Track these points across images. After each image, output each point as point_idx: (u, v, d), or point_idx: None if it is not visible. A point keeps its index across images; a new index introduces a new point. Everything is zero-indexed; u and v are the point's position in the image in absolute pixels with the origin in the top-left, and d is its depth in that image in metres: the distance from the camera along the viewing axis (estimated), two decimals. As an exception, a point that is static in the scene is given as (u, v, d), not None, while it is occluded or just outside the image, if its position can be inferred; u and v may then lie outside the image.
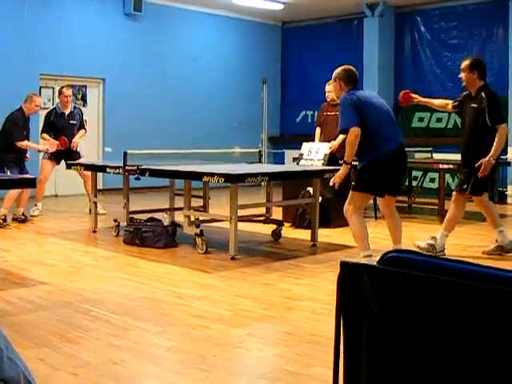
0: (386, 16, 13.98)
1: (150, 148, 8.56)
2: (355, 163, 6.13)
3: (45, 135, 9.53)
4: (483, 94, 6.28)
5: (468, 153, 6.51)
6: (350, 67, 6.00)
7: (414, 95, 6.88)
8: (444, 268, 1.60)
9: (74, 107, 9.87)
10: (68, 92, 9.62)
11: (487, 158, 6.27)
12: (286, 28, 16.48)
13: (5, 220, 8.43)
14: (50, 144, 9.34)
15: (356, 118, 5.60)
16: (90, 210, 8.53)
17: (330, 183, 5.95)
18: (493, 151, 6.25)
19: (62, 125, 9.52)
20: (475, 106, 6.33)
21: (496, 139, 6.24)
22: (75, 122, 9.68)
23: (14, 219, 8.74)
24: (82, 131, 9.81)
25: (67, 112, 9.61)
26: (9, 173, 8.40)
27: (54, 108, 9.76)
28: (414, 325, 1.63)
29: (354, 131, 5.56)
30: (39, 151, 9.65)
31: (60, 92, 9.71)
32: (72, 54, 12.33)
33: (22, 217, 8.85)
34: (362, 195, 5.90)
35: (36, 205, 9.44)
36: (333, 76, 5.99)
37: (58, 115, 9.58)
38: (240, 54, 15.37)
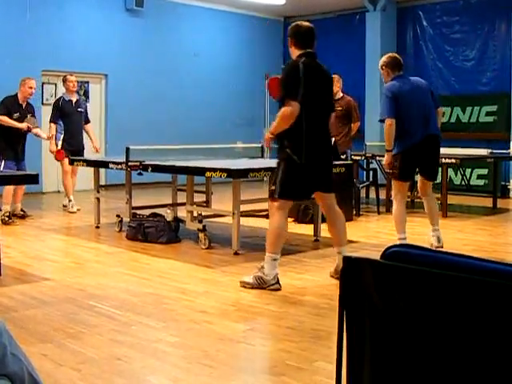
0: (388, 10, 13.95)
1: (152, 144, 8.58)
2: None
3: (53, 125, 9.53)
4: None
5: None
6: (395, 54, 6.52)
7: None
8: (447, 262, 1.60)
9: (81, 98, 10.12)
10: (72, 78, 9.82)
11: None
12: (288, 23, 16.43)
13: (9, 217, 8.42)
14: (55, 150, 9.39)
15: (393, 109, 6.11)
16: (64, 206, 9.42)
17: (386, 169, 6.58)
18: None
19: (70, 111, 9.65)
20: None
21: None
22: (82, 110, 9.88)
23: (13, 215, 8.66)
24: (91, 126, 10.16)
25: (74, 99, 9.79)
26: (2, 164, 8.42)
27: (62, 96, 9.83)
28: (417, 319, 1.63)
29: (388, 121, 6.10)
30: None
31: (65, 80, 9.83)
32: (74, 49, 12.33)
33: (21, 212, 8.84)
34: (396, 182, 6.43)
35: (70, 200, 9.51)
36: (379, 64, 6.50)
37: (66, 102, 9.68)
38: (242, 50, 15.35)
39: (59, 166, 10.29)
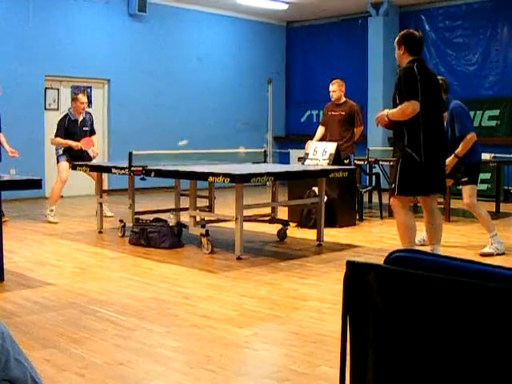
0: (391, 15, 13.97)
1: (154, 148, 8.58)
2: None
3: (58, 138, 9.15)
4: None
5: None
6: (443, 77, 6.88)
7: None
8: (450, 267, 1.59)
9: (86, 113, 9.55)
10: (84, 99, 9.36)
11: None
12: (290, 28, 16.48)
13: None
14: (84, 143, 9.26)
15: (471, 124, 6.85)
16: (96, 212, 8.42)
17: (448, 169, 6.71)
18: None
19: (75, 132, 9.23)
20: None
21: None
22: (87, 129, 9.45)
23: None
24: (95, 136, 9.69)
25: (80, 119, 9.34)
26: None
27: (67, 114, 9.32)
28: (420, 323, 1.63)
29: (474, 136, 6.66)
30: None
31: (75, 99, 9.38)
32: (77, 54, 12.36)
33: None
34: (472, 188, 6.83)
35: (52, 210, 9.11)
36: None
37: (72, 122, 9.24)
38: (245, 54, 15.37)
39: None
